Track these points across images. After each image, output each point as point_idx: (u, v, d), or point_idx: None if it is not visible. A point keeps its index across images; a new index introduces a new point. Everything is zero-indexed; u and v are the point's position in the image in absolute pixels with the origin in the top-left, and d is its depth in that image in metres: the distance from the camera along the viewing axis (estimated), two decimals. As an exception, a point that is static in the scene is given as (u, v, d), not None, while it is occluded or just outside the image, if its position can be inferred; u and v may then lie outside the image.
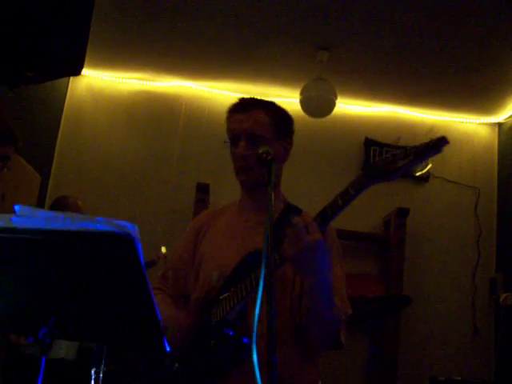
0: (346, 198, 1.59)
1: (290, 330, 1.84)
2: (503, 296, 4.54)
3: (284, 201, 2.06)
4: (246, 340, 1.57)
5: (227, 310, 1.80)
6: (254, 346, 1.29)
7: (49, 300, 1.15)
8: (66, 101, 5.02)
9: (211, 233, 2.07)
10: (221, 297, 1.86)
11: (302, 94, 4.37)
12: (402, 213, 4.75)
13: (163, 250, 4.07)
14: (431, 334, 4.76)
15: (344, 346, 1.83)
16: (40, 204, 4.37)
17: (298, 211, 2.01)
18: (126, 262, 1.01)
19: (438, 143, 1.48)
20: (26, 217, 0.97)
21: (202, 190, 4.61)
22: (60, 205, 3.62)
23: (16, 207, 0.96)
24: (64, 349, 3.24)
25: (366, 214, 4.63)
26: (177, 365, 1.89)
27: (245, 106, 2.00)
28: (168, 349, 1.20)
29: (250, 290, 1.71)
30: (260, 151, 1.75)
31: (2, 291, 1.18)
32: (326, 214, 1.63)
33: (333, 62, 4.35)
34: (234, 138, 1.97)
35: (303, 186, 4.53)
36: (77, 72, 2.69)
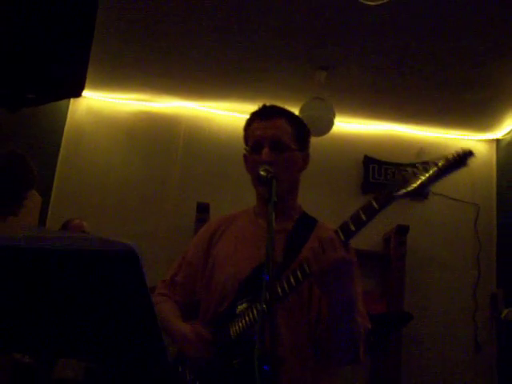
0: (369, 212, 1.55)
1: (306, 347, 1.81)
2: (505, 312, 4.54)
3: (300, 210, 2.06)
4: (266, 367, 1.53)
5: (246, 324, 1.76)
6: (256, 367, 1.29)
7: (52, 318, 1.15)
8: (67, 122, 5.05)
9: (224, 239, 2.04)
10: (238, 308, 1.82)
11: (300, 113, 4.40)
12: (402, 230, 4.76)
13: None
14: (433, 350, 4.75)
15: (362, 361, 1.81)
16: (41, 225, 4.38)
17: (313, 221, 2.02)
18: (129, 280, 1.02)
19: (463, 156, 1.46)
20: (30, 236, 0.98)
21: (203, 209, 4.62)
22: (65, 227, 3.67)
23: (22, 226, 0.98)
24: (72, 369, 3.23)
25: (366, 231, 4.57)
26: (197, 382, 1.85)
27: (268, 113, 1.98)
28: (170, 367, 1.20)
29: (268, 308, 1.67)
30: (261, 171, 1.75)
31: (7, 310, 1.19)
32: (349, 229, 1.57)
33: (331, 82, 4.39)
34: (257, 145, 1.93)
35: (303, 205, 4.52)
36: (77, 94, 2.70)
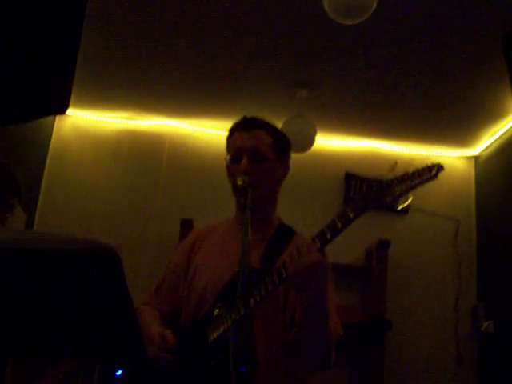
0: (344, 220, 1.60)
1: (280, 352, 1.86)
2: (485, 324, 4.61)
3: (279, 220, 2.11)
4: (243, 369, 1.55)
5: (224, 329, 1.80)
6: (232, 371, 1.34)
7: (31, 318, 1.18)
8: (52, 140, 5.08)
9: (205, 248, 2.10)
10: (215, 313, 1.87)
11: (282, 129, 4.46)
12: (384, 244, 4.82)
13: None
14: (415, 363, 4.79)
15: (332, 367, 1.86)
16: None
17: (291, 231, 2.08)
18: (110, 280, 1.06)
19: (432, 169, 1.55)
20: (15, 238, 1.03)
21: (186, 225, 4.65)
22: None
23: (2, 229, 1.02)
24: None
25: (348, 246, 4.67)
26: None
27: (248, 124, 2.06)
28: (150, 367, 1.25)
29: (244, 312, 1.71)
30: (238, 180, 1.81)
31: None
32: (325, 237, 1.63)
33: (312, 99, 4.47)
34: (237, 155, 1.99)
35: (284, 220, 4.57)
36: (62, 111, 2.75)
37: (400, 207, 1.63)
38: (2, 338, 1.19)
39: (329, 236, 1.63)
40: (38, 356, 1.12)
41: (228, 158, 2.04)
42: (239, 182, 1.82)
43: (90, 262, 1.02)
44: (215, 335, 1.84)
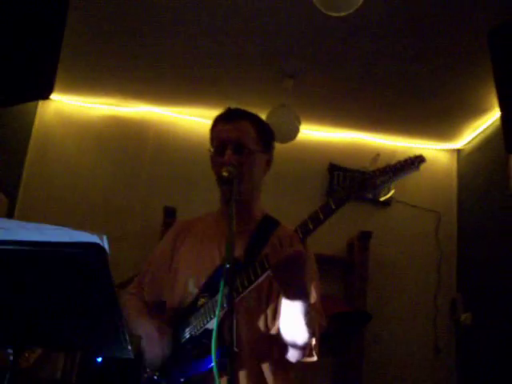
0: (326, 211, 1.63)
1: (263, 342, 1.88)
2: (463, 316, 4.67)
3: (263, 212, 2.12)
4: (224, 361, 1.54)
5: (207, 319, 1.82)
6: (214, 361, 1.35)
7: (18, 310, 1.19)
8: (35, 125, 5.03)
9: (188, 241, 2.10)
10: (198, 304, 1.89)
11: (267, 119, 4.42)
12: (365, 236, 4.85)
13: None
14: (394, 352, 4.85)
15: (317, 358, 1.87)
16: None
17: (275, 222, 2.08)
18: (95, 272, 1.06)
19: (415, 161, 1.57)
20: None
21: (169, 213, 4.65)
22: None
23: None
24: (48, 369, 3.23)
25: (330, 237, 4.71)
26: (157, 374, 1.89)
27: (232, 116, 2.05)
28: (132, 357, 1.25)
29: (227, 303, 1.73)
30: (223, 172, 1.82)
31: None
32: (307, 228, 1.65)
33: (298, 89, 4.47)
34: (220, 146, 1.99)
35: (268, 211, 4.58)
36: (46, 96, 2.74)
37: (382, 199, 1.65)
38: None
39: (311, 227, 1.65)
40: (23, 345, 1.12)
41: (212, 149, 2.04)
42: (224, 174, 1.82)
43: (76, 254, 1.02)
44: (199, 326, 1.85)
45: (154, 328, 1.92)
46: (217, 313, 1.59)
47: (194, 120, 5.23)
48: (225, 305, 1.67)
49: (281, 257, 1.63)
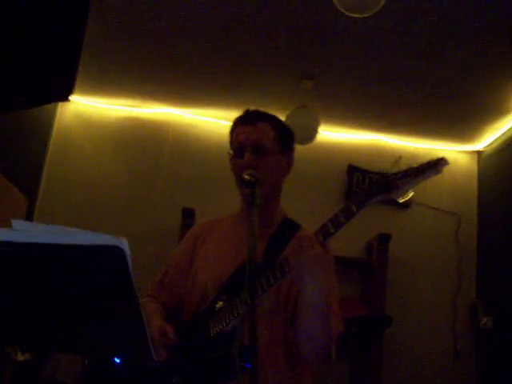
0: (347, 214, 1.61)
1: (281, 346, 1.86)
2: (484, 320, 4.61)
3: (282, 214, 2.10)
4: (248, 365, 1.52)
5: (226, 322, 1.81)
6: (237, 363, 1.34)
7: (38, 312, 1.18)
8: (54, 126, 5.07)
9: (208, 242, 2.09)
10: (216, 306, 1.88)
11: (286, 121, 4.43)
12: (384, 238, 4.82)
13: None
14: (413, 356, 4.80)
15: (333, 362, 1.86)
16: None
17: (295, 225, 2.07)
18: (116, 275, 1.06)
19: (437, 163, 1.54)
20: (22, 231, 1.02)
21: (188, 214, 4.66)
22: None
23: (13, 221, 1.01)
24: (62, 371, 3.25)
25: (349, 239, 4.68)
26: (176, 378, 1.88)
27: (251, 118, 2.03)
28: (155, 359, 1.24)
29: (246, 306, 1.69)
30: (244, 175, 1.80)
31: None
32: (328, 231, 1.63)
33: (317, 91, 4.46)
34: (240, 149, 1.98)
35: (287, 212, 4.56)
36: (66, 97, 2.76)
37: (401, 200, 1.63)
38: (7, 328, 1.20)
39: (332, 230, 1.64)
40: (46, 350, 1.12)
41: (231, 152, 2.03)
42: (246, 177, 1.80)
43: (97, 258, 1.02)
44: (217, 328, 1.84)
45: (158, 329, 1.90)
46: (235, 317, 1.58)
47: (212, 121, 5.23)
48: (244, 308, 1.67)
49: (301, 259, 1.61)
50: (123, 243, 1.03)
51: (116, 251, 1.01)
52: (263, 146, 1.95)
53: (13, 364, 3.18)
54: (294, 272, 1.66)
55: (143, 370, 1.92)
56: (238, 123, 2.06)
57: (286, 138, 2.07)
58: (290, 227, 2.04)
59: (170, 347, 1.86)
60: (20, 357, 3.06)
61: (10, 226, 1.04)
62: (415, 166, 1.58)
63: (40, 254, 1.04)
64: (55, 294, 1.14)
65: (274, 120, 2.06)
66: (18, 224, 1.03)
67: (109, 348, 1.29)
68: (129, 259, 1.02)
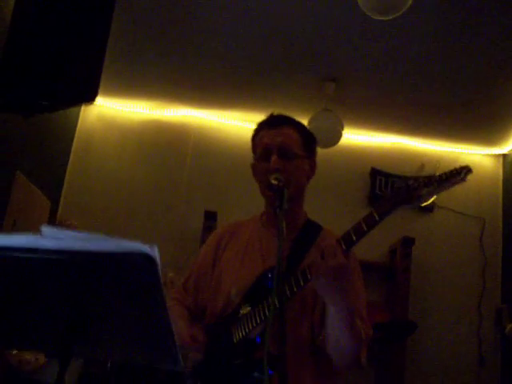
0: (370, 223, 1.60)
1: (307, 353, 1.84)
2: (509, 326, 4.54)
3: (305, 216, 2.09)
4: (270, 371, 1.50)
5: (249, 328, 1.80)
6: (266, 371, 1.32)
7: (66, 318, 1.18)
8: (77, 129, 5.11)
9: (231, 246, 2.08)
10: (240, 313, 1.87)
11: (309, 124, 4.42)
12: (408, 242, 4.77)
13: (170, 274, 4.11)
14: (437, 363, 4.75)
15: (364, 367, 1.83)
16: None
17: (318, 228, 2.05)
18: (146, 282, 1.05)
19: (461, 171, 1.52)
20: (51, 237, 1.01)
21: (210, 217, 4.66)
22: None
23: (42, 227, 1.01)
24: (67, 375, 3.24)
25: (372, 243, 4.64)
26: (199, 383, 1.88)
27: (275, 121, 2.02)
28: (182, 365, 1.23)
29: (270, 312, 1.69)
30: (272, 179, 1.78)
31: (22, 309, 1.22)
32: (351, 239, 1.62)
33: (339, 94, 4.43)
34: (265, 152, 1.96)
35: (310, 216, 4.54)
36: (91, 99, 2.77)
37: (423, 204, 1.61)
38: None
39: (354, 238, 1.62)
40: (70, 356, 1.12)
41: (255, 156, 2.01)
42: (274, 182, 1.78)
43: (126, 265, 1.01)
44: (240, 335, 1.83)
45: (187, 333, 1.90)
46: (259, 323, 1.56)
47: (234, 124, 5.22)
48: (267, 314, 1.65)
49: (323, 268, 1.60)
50: (154, 251, 1.01)
51: (146, 259, 1.00)
52: (290, 150, 1.94)
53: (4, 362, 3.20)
54: (317, 282, 1.64)
55: (166, 373, 1.92)
56: (262, 127, 2.04)
57: (310, 142, 2.06)
58: (312, 230, 2.02)
59: (201, 351, 1.87)
60: (26, 366, 3.08)
61: (37, 230, 1.03)
62: (438, 174, 1.55)
63: (69, 261, 1.03)
64: (84, 300, 1.14)
65: (297, 124, 2.05)
66: (47, 230, 1.02)
67: (136, 354, 1.28)
68: (159, 268, 1.01)
